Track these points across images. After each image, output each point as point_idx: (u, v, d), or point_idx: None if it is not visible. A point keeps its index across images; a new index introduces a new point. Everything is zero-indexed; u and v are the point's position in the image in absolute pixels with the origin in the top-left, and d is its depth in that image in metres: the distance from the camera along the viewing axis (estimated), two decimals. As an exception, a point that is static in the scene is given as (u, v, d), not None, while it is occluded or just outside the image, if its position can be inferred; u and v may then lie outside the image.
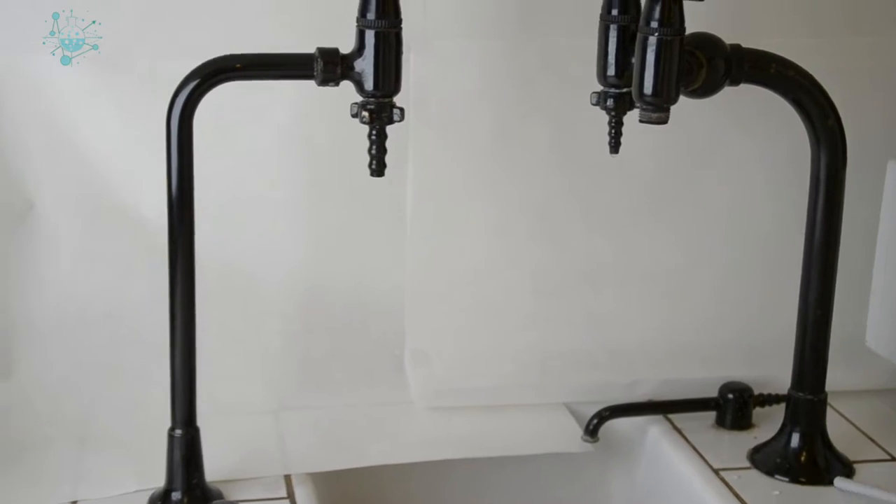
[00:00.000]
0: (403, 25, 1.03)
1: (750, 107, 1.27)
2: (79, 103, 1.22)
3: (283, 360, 1.32)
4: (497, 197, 1.31)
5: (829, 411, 1.20)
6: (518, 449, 1.29)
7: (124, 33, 1.20)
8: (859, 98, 1.26)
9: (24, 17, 1.18)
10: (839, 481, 1.15)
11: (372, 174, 1.06)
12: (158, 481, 1.13)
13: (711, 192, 1.35)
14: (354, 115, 1.04)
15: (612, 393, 1.31)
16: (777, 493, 1.15)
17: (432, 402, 1.34)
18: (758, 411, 1.29)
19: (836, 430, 1.21)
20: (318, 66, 1.03)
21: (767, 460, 1.19)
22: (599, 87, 1.10)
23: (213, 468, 1.15)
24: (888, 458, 1.22)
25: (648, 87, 0.99)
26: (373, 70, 1.03)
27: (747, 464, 1.20)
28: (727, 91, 1.09)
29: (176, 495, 1.12)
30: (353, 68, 1.03)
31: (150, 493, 1.14)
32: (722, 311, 1.38)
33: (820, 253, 1.14)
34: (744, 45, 1.08)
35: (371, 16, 1.02)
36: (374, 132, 1.05)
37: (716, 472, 1.19)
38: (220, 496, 1.15)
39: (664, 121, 1.00)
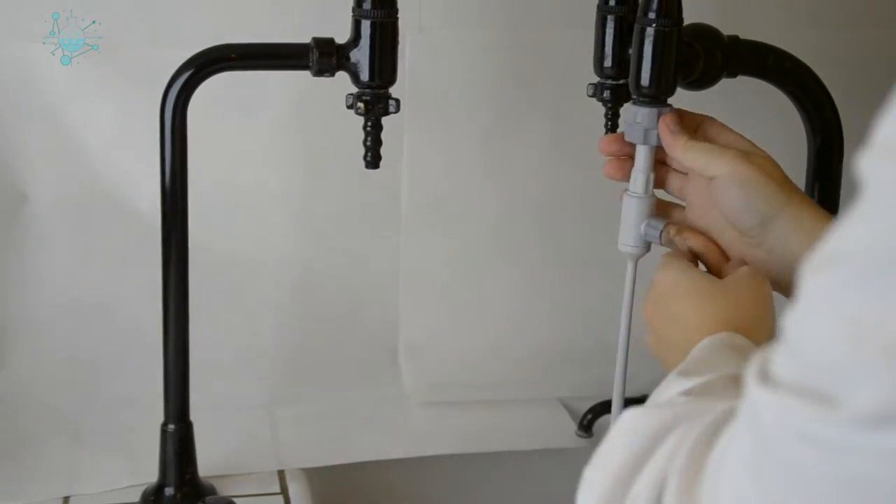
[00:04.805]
0: (399, 15, 1.02)
1: (747, 99, 1.26)
2: (76, 100, 1.21)
3: (276, 354, 1.32)
4: (493, 189, 1.31)
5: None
6: (512, 444, 1.29)
7: (124, 33, 1.20)
8: (856, 90, 1.26)
9: (24, 17, 1.18)
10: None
11: (367, 166, 1.06)
12: (151, 476, 1.13)
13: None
14: (349, 107, 1.04)
15: (606, 388, 1.30)
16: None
17: (426, 397, 1.34)
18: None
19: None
20: (314, 56, 1.02)
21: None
22: (596, 79, 1.10)
23: (207, 463, 1.15)
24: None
25: (645, 79, 0.98)
26: (368, 61, 1.02)
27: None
28: (724, 83, 1.08)
29: (169, 490, 1.12)
30: (348, 59, 1.02)
31: (143, 489, 1.13)
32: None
33: (817, 245, 1.14)
34: (741, 36, 1.07)
35: (367, 6, 1.01)
36: (369, 124, 1.04)
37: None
38: (213, 491, 1.14)
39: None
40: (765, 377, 0.50)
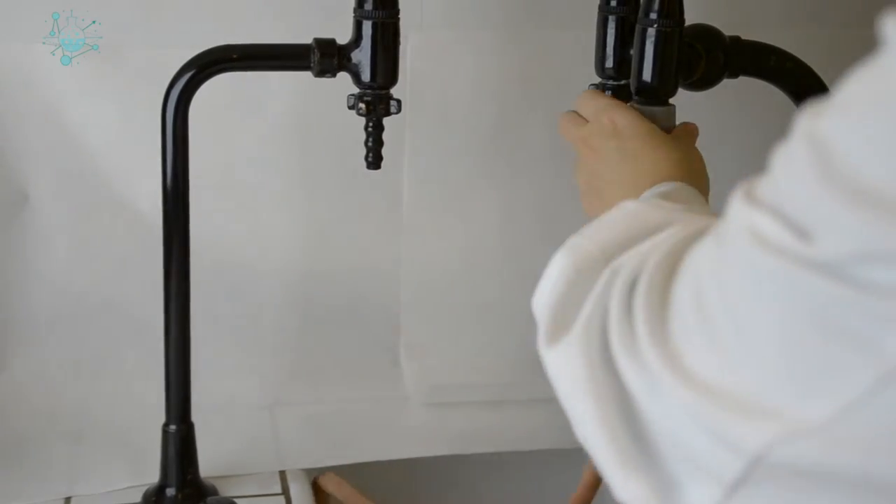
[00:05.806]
0: (401, 16, 1.02)
1: (748, 99, 1.26)
2: (76, 100, 1.21)
3: (278, 354, 1.32)
4: (494, 190, 1.31)
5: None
6: (512, 444, 1.29)
7: (124, 33, 1.20)
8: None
9: (24, 17, 1.18)
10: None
11: (368, 167, 1.06)
12: (153, 477, 1.13)
13: (710, 185, 1.34)
14: (351, 107, 1.04)
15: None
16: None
17: (428, 398, 1.33)
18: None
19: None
20: (315, 56, 1.02)
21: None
22: (596, 79, 1.10)
23: (208, 464, 1.15)
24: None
25: (647, 80, 0.98)
26: (370, 61, 1.02)
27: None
28: (726, 83, 1.08)
29: (170, 491, 1.12)
30: (349, 59, 1.02)
31: (144, 489, 1.13)
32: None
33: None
34: (743, 37, 1.07)
35: (368, 6, 1.01)
36: (370, 124, 1.04)
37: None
38: (214, 492, 1.14)
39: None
40: (749, 195, 0.54)
